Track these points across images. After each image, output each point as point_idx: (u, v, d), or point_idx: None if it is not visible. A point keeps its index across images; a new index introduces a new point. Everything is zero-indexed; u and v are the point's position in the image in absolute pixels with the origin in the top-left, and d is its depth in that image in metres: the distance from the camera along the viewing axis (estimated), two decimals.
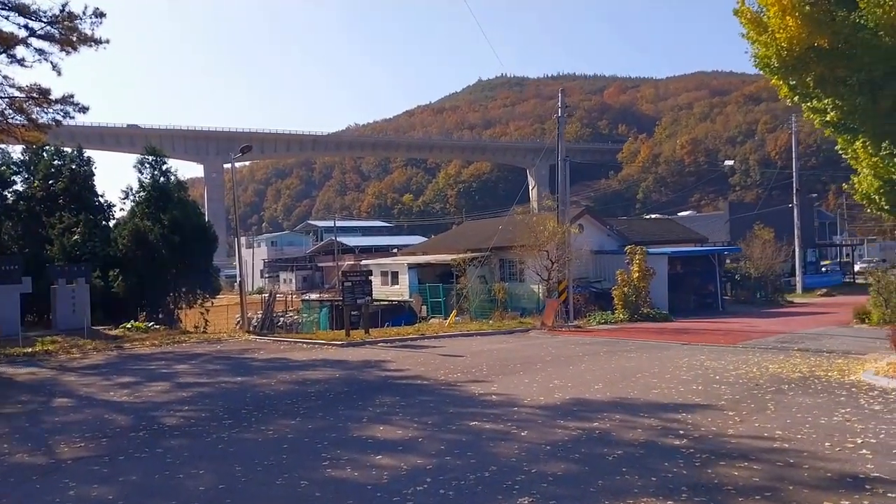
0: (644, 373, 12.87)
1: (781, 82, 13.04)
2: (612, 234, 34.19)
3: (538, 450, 7.38)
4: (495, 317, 27.33)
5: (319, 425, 8.88)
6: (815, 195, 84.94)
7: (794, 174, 43.42)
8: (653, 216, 61.01)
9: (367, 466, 6.94)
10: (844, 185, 13.53)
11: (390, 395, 10.86)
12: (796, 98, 13.03)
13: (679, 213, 72.45)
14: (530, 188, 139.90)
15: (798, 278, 41.99)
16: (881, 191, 11.99)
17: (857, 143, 11.93)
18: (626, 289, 27.61)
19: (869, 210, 13.05)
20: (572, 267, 26.34)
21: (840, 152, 13.71)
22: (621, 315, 27.28)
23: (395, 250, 68.94)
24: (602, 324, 26.34)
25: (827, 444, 7.24)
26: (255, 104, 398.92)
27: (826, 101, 12.03)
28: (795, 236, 42.02)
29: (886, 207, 12.20)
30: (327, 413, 9.63)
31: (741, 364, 13.94)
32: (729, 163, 49.71)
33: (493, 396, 10.56)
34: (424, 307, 34.37)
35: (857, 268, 57.01)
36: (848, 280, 49.58)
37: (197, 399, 11.01)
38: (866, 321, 23.38)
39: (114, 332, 21.15)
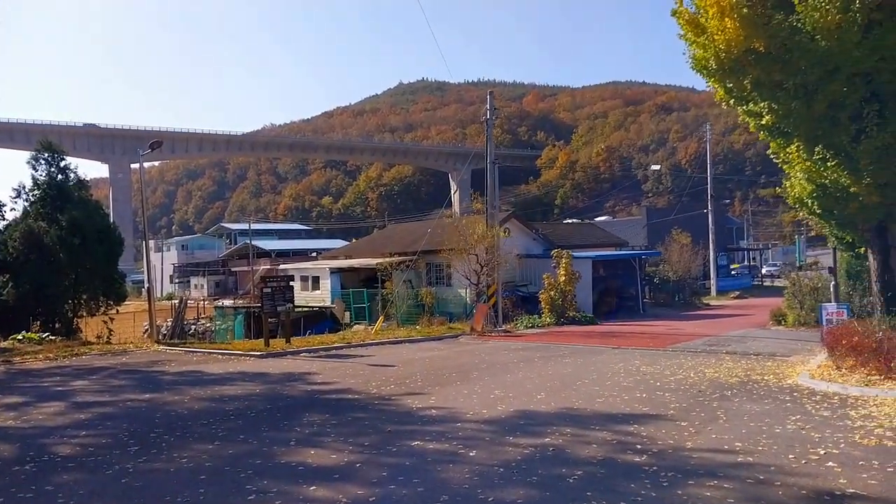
0: (584, 380, 12.45)
1: (718, 85, 12.97)
2: (537, 239, 34.18)
3: (491, 472, 6.68)
4: (423, 322, 26.62)
5: (241, 450, 7.86)
6: (727, 201, 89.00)
7: (708, 181, 44.98)
8: (573, 221, 62.02)
9: (301, 500, 6.04)
10: (777, 189, 13.65)
11: (319, 413, 9.91)
12: (732, 101, 12.99)
13: (596, 218, 74.12)
14: (453, 192, 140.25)
15: (712, 281, 43.48)
16: (814, 195, 12.07)
17: (792, 146, 11.95)
18: (552, 293, 27.54)
19: (801, 213, 13.20)
20: (501, 271, 25.97)
21: (772, 157, 13.80)
22: (548, 319, 27.18)
23: (314, 254, 67.11)
24: (529, 328, 26.12)
25: (791, 456, 6.90)
26: (166, 103, 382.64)
27: (762, 105, 12.00)
28: (710, 241, 43.51)
29: (818, 211, 12.29)
30: (249, 435, 8.61)
31: (677, 369, 13.78)
32: (655, 167, 50.95)
33: (433, 411, 9.81)
34: (348, 313, 33.25)
35: (763, 271, 59.86)
36: (757, 283, 51.91)
37: (97, 421, 9.69)
38: (783, 323, 24.15)
39: (2, 345, 19.03)
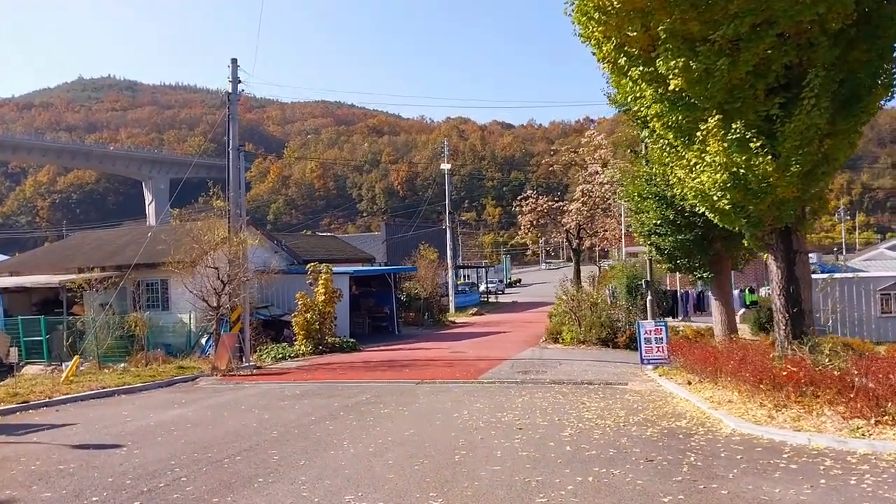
0: (459, 451, 8.13)
1: (608, 37, 9.88)
2: (280, 251, 28.81)
3: None
4: (136, 361, 19.62)
5: None
6: (463, 220, 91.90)
7: (446, 199, 44.08)
8: (310, 233, 57.10)
9: None
10: (673, 178, 10.96)
11: None
12: (623, 61, 9.98)
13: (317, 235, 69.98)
14: (147, 203, 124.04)
15: (451, 298, 42.29)
16: (726, 185, 9.52)
17: (711, 122, 9.27)
18: (308, 315, 22.65)
19: (702, 209, 10.70)
20: (249, 288, 20.32)
21: (645, 142, 11.18)
22: (304, 347, 22.23)
23: None
24: (281, 360, 21.05)
25: None
26: None
27: (673, 63, 9.13)
28: (448, 258, 42.38)
29: (727, 207, 9.79)
30: None
31: (540, 413, 10.34)
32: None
33: None
34: (15, 350, 23.88)
35: (481, 288, 61.50)
36: (484, 300, 52.67)
37: None
38: (560, 341, 22.66)
39: None
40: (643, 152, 16.15)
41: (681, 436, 8.43)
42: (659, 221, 14.79)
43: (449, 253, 42.63)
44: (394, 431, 9.41)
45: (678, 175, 10.48)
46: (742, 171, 9.38)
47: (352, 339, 23.95)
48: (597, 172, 58.06)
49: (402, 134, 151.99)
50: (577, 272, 60.25)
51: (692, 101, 9.54)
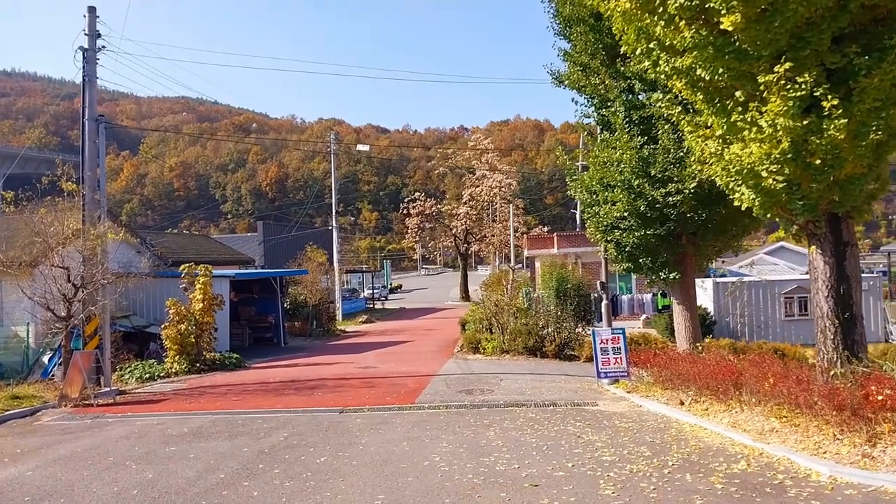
0: None
1: None
2: (144, 251, 24.26)
3: None
4: None
5: None
6: (352, 222, 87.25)
7: (333, 198, 40.56)
8: (173, 231, 51.09)
9: None
10: (700, 152, 8.71)
11: None
12: None
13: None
14: None
15: (338, 304, 38.85)
16: (785, 157, 7.45)
17: (779, 70, 7.15)
18: (183, 326, 18.74)
19: (735, 193, 8.47)
20: (110, 294, 16.16)
21: (665, 113, 8.96)
22: (178, 365, 18.34)
23: None
24: (149, 381, 17.26)
25: None
26: None
27: None
28: (335, 261, 38.98)
29: (779, 187, 7.71)
30: None
31: (542, 454, 7.83)
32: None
33: None
34: None
35: (364, 294, 58.36)
36: (370, 306, 49.62)
37: None
38: (481, 351, 20.34)
39: None
40: (600, 135, 14.16)
41: (768, 489, 6.18)
42: (626, 214, 12.78)
43: (335, 256, 39.21)
44: (355, 500, 6.43)
45: (709, 148, 8.31)
46: (801, 138, 7.37)
47: (235, 355, 20.22)
48: (484, 176, 57.21)
49: (271, 133, 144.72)
50: (465, 277, 58.89)
51: (744, 47, 7.41)
